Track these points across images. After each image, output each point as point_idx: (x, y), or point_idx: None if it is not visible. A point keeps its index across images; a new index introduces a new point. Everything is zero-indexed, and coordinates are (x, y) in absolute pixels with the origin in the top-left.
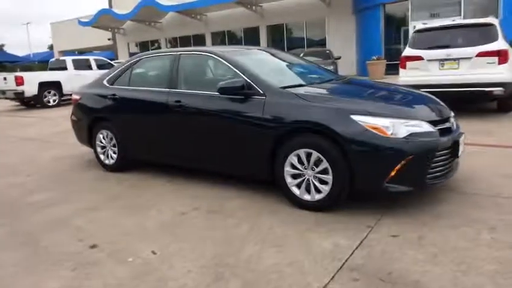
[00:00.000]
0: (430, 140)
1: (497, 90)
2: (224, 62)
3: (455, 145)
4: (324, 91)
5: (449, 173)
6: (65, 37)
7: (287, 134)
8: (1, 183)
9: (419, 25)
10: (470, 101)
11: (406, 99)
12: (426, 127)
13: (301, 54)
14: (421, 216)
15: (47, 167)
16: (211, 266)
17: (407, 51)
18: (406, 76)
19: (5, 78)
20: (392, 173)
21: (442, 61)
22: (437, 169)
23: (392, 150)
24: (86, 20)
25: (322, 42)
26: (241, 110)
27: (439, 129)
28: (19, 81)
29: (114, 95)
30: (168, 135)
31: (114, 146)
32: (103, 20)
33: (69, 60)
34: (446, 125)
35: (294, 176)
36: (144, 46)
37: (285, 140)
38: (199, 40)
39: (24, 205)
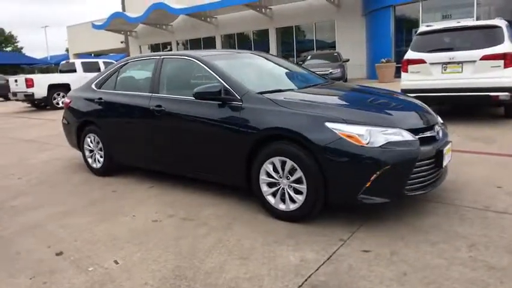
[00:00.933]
0: (409, 150)
1: (503, 95)
2: (204, 66)
3: (439, 155)
4: (303, 97)
5: (433, 184)
6: (80, 40)
7: (262, 141)
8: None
9: (423, 27)
10: (475, 107)
11: (389, 106)
12: (406, 136)
13: (309, 57)
14: (399, 229)
15: (38, 170)
16: (170, 278)
17: (409, 54)
18: (408, 80)
19: (16, 81)
20: (368, 184)
21: (444, 64)
22: (418, 180)
23: (367, 160)
24: (100, 24)
25: (331, 45)
26: (219, 116)
27: (420, 138)
28: (29, 84)
29: (100, 98)
30: (149, 140)
31: (100, 149)
32: (116, 23)
33: (78, 62)
34: (430, 133)
35: (270, 185)
36: (156, 49)
37: (260, 147)
38: (209, 42)
39: (7, 208)
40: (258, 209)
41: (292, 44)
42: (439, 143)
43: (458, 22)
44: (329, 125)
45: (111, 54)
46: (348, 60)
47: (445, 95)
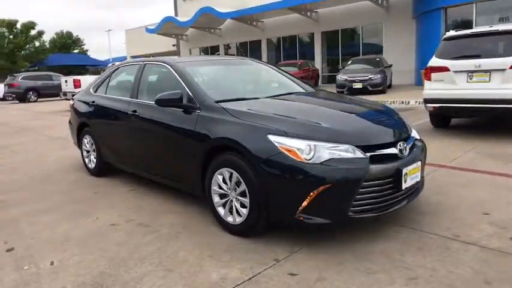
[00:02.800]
0: (354, 168)
1: None
2: (173, 72)
3: (397, 175)
4: (260, 106)
5: (388, 207)
6: (137, 43)
7: (213, 150)
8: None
9: (451, 32)
10: (503, 120)
11: (347, 120)
12: (353, 152)
13: (349, 62)
14: (345, 253)
15: (47, 167)
16: (88, 285)
17: (433, 61)
18: (430, 89)
19: (66, 81)
20: (306, 203)
21: (470, 73)
22: (367, 201)
23: (305, 177)
24: (152, 28)
25: (378, 49)
26: (180, 123)
27: (374, 156)
28: (77, 84)
29: (93, 102)
30: (127, 144)
31: (94, 150)
32: (167, 27)
33: None
34: (389, 150)
35: (221, 196)
36: (205, 52)
37: (212, 157)
38: (255, 46)
39: None
40: (214, 220)
41: (338, 48)
42: (400, 162)
43: (491, 26)
44: (271, 137)
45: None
46: (390, 66)
47: (469, 107)
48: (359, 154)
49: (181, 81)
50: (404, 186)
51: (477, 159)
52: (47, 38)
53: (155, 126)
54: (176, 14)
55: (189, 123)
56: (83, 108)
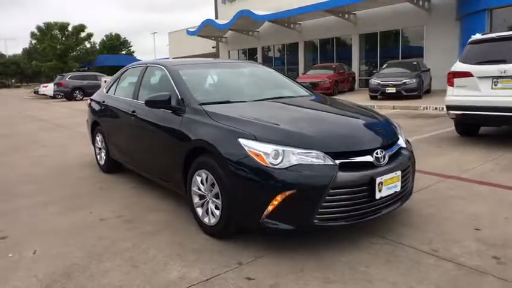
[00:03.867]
0: (321, 174)
1: None
2: (168, 75)
3: (371, 184)
4: (242, 110)
5: (360, 216)
6: (179, 45)
7: (193, 152)
8: (18, 172)
9: (476, 35)
10: None
11: (324, 124)
12: (322, 158)
13: (384, 66)
14: (308, 261)
15: (66, 161)
16: (57, 275)
17: (456, 66)
18: (452, 95)
19: (105, 81)
20: (270, 207)
21: (495, 79)
22: (335, 209)
23: (270, 181)
24: (193, 30)
25: (418, 53)
26: (169, 124)
27: (346, 163)
28: None
29: (103, 102)
30: (128, 143)
31: (103, 148)
32: (206, 29)
33: None
34: (364, 158)
35: (200, 197)
36: (243, 54)
37: (192, 158)
38: (293, 49)
39: (9, 192)
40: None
41: (376, 51)
42: (375, 171)
43: None
44: (241, 141)
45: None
46: (428, 70)
47: (493, 115)
48: (327, 161)
49: (173, 83)
50: (378, 196)
51: (493, 171)
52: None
53: (149, 126)
54: (216, 17)
55: (175, 124)
56: (96, 107)
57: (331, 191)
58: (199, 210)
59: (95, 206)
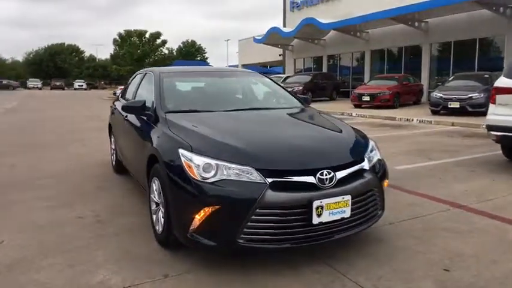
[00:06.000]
0: (247, 192)
1: None
2: (153, 81)
3: (308, 207)
4: (200, 120)
5: (291, 241)
6: (248, 52)
7: (150, 159)
8: (45, 167)
9: None
10: None
11: (268, 140)
12: (252, 175)
13: (450, 79)
14: (234, 283)
15: (87, 160)
16: (1, 265)
17: (500, 81)
18: (493, 114)
19: None
20: (196, 222)
21: None
22: (263, 230)
23: (196, 195)
24: (259, 38)
25: (498, 65)
26: (142, 130)
27: (282, 182)
28: None
29: (115, 106)
30: (123, 145)
31: (113, 149)
32: (272, 37)
33: None
34: (303, 179)
35: (156, 204)
36: (308, 62)
37: (151, 165)
38: (359, 57)
39: (29, 184)
40: None
41: (449, 62)
42: (316, 193)
43: None
44: (181, 151)
45: (276, 67)
46: None
47: None
48: (258, 178)
49: (153, 91)
50: (317, 221)
51: None
52: (175, 46)
53: (132, 130)
54: (284, 25)
55: (145, 130)
56: (112, 111)
57: (259, 210)
58: (154, 218)
59: (81, 205)
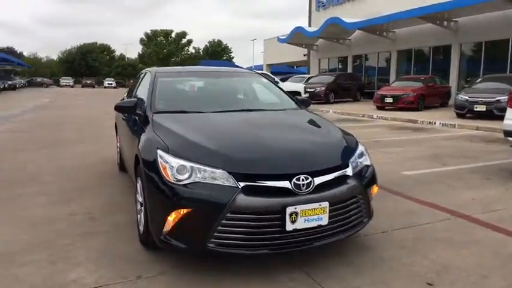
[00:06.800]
0: (218, 195)
1: None
2: (150, 80)
3: (282, 213)
4: (186, 121)
5: (263, 247)
6: (273, 52)
7: (136, 159)
8: (54, 163)
9: None
10: None
11: (244, 142)
12: (225, 179)
13: (478, 80)
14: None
15: (98, 158)
16: None
17: None
18: (510, 119)
19: None
20: (170, 223)
21: None
22: (234, 235)
23: (168, 197)
24: (284, 37)
25: None
26: (133, 129)
27: (254, 186)
28: None
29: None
30: (122, 144)
31: (118, 147)
32: (297, 37)
33: None
34: (277, 183)
35: (141, 204)
36: (333, 63)
37: (137, 165)
38: (385, 58)
39: (37, 180)
40: None
41: (480, 63)
42: (291, 199)
43: None
44: (159, 152)
45: (301, 67)
46: None
47: None
48: (230, 182)
49: (147, 91)
50: (291, 227)
51: None
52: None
53: (127, 129)
54: (309, 24)
55: (136, 130)
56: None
57: (230, 215)
58: (138, 218)
59: (78, 201)
